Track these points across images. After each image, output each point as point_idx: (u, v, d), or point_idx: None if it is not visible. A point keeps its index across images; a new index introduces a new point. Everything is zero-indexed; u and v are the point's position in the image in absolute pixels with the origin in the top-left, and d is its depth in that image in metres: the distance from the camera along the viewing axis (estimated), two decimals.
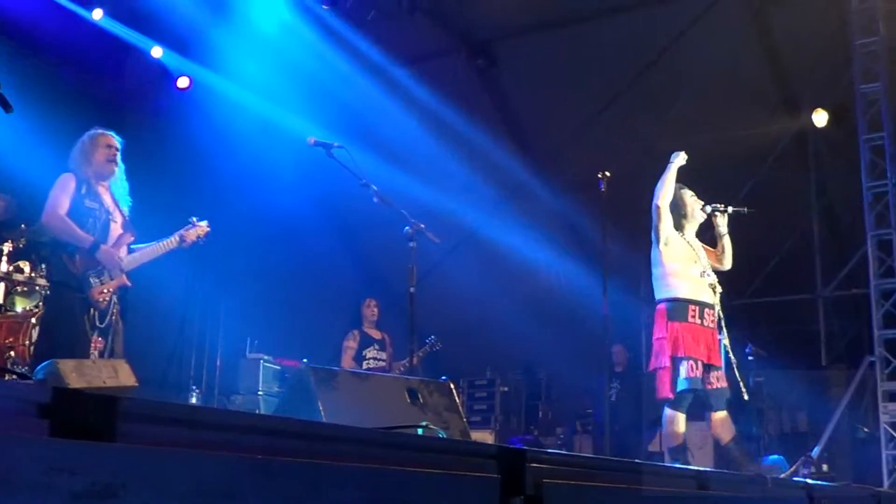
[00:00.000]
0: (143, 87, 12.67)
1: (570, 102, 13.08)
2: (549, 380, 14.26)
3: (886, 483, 10.30)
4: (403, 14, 12.22)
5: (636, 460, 3.72)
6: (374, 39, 12.54)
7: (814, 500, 3.90)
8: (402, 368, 9.63)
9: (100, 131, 6.80)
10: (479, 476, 2.13)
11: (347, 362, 10.50)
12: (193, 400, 11.67)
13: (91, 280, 6.41)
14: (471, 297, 14.55)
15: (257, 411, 10.66)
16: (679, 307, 7.07)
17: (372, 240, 14.24)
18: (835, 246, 13.52)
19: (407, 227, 6.77)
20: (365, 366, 10.50)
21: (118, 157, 6.78)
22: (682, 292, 7.13)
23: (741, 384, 7.35)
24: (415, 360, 7.44)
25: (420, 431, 3.66)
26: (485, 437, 12.48)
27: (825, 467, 9.81)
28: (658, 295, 7.26)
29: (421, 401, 5.12)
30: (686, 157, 7.34)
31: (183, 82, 12.66)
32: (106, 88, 12.00)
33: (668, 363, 7.02)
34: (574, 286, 13.92)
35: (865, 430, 11.32)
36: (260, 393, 11.49)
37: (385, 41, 12.56)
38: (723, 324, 7.43)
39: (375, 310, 10.97)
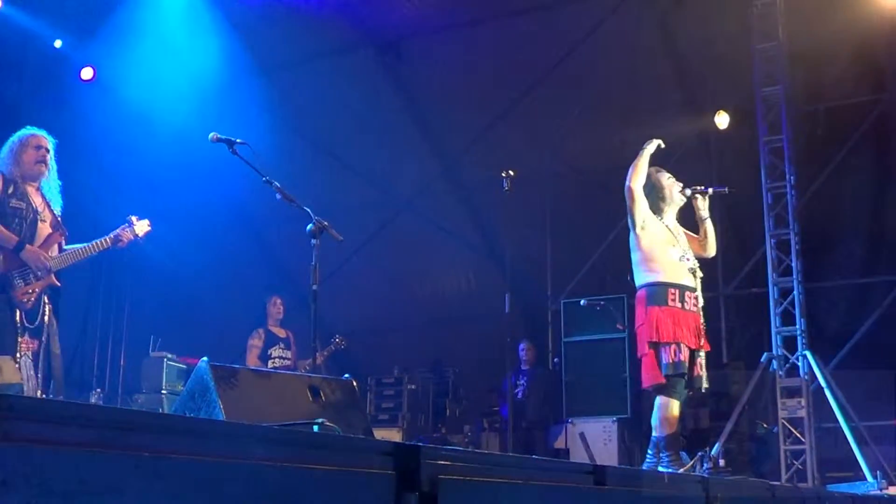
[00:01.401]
0: (45, 78, 12.41)
1: (477, 101, 13.14)
2: (457, 378, 14.26)
3: (784, 477, 10.55)
4: (312, 9, 12.15)
5: (534, 456, 3.76)
6: (281, 33, 12.44)
7: (710, 495, 3.96)
8: (307, 367, 9.57)
9: (31, 132, 6.65)
10: (374, 473, 2.12)
11: (252, 361, 10.40)
12: (94, 399, 11.47)
13: (15, 281, 6.31)
14: (378, 295, 14.55)
15: (160, 410, 10.53)
16: (658, 291, 6.78)
17: (278, 237, 14.18)
18: (736, 245, 13.77)
19: (310, 225, 6.70)
20: (270, 364, 10.41)
21: (49, 158, 6.65)
22: (661, 276, 6.83)
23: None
24: (319, 359, 7.37)
25: (316, 429, 3.64)
26: (392, 435, 12.45)
27: (722, 462, 9.99)
28: (637, 281, 6.93)
29: (323, 398, 5.08)
30: (658, 143, 7.07)
31: (87, 74, 12.43)
32: (6, 80, 11.73)
33: (648, 350, 6.78)
34: (480, 284, 14.01)
35: (764, 425, 11.57)
36: (164, 392, 11.35)
37: (293, 35, 12.48)
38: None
39: (281, 307, 10.89)
